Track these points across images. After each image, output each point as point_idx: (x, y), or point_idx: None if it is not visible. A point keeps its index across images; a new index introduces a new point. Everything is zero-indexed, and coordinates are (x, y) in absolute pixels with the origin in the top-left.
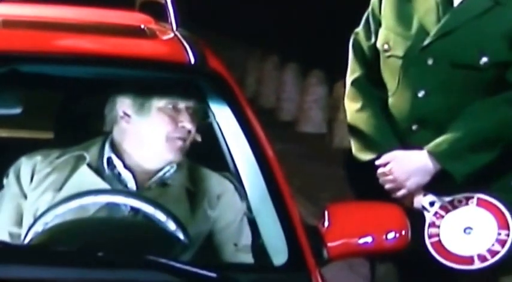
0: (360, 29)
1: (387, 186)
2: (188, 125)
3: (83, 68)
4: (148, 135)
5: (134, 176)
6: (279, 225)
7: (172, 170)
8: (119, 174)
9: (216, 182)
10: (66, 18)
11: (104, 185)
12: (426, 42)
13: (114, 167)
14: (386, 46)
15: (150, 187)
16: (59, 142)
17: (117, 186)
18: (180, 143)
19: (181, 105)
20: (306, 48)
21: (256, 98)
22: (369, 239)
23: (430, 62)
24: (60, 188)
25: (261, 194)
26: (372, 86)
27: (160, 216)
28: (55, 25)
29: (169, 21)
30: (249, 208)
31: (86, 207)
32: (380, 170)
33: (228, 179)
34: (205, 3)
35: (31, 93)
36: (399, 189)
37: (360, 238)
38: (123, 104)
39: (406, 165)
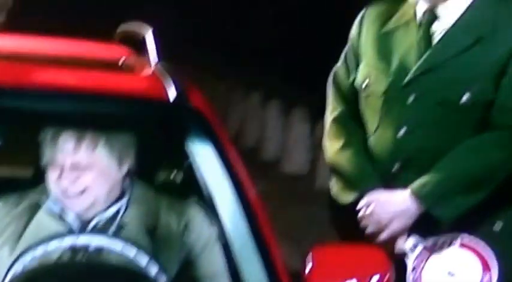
0: (339, 66)
1: (369, 229)
2: (65, 182)
3: (60, 103)
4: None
5: (80, 219)
6: (261, 269)
7: (122, 210)
8: (67, 216)
9: (183, 211)
10: (45, 50)
11: (60, 229)
12: (407, 79)
13: (62, 209)
14: (366, 83)
15: (97, 228)
16: (36, 179)
17: (71, 230)
18: (69, 200)
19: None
20: (289, 85)
21: (239, 136)
22: None
23: (411, 99)
24: (20, 237)
25: (242, 236)
26: (353, 123)
27: (129, 252)
28: (33, 58)
29: (149, 55)
30: (230, 249)
31: (53, 252)
32: (362, 213)
33: (195, 204)
34: (187, 37)
35: (10, 128)
36: (381, 232)
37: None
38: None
39: (389, 207)
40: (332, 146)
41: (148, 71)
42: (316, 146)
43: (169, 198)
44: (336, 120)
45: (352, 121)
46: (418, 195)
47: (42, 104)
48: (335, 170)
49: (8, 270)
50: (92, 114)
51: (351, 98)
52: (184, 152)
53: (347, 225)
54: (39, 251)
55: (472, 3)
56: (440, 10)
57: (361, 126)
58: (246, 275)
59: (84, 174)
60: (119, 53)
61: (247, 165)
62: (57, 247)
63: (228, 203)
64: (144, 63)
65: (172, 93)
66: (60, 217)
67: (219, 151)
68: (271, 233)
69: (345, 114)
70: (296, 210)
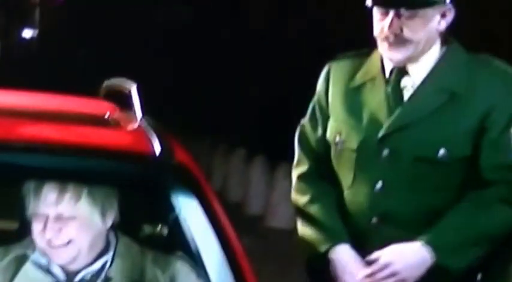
0: (306, 121)
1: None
2: (49, 234)
3: (45, 157)
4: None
5: (66, 272)
6: None
7: (108, 263)
8: (52, 269)
9: (168, 265)
10: (29, 105)
11: (48, 281)
12: (380, 134)
13: (48, 262)
14: (338, 138)
15: None
16: (22, 232)
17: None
18: (53, 250)
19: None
20: (273, 140)
21: (223, 192)
22: None
23: (385, 153)
24: None
25: None
26: (320, 179)
27: None
28: (18, 112)
29: (134, 110)
30: None
31: None
32: (376, 267)
33: (180, 259)
34: (170, 97)
35: None
36: None
37: None
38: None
39: (406, 259)
40: (299, 201)
41: (133, 126)
42: None
43: (154, 252)
44: (302, 177)
45: (318, 177)
46: (432, 246)
47: (26, 158)
48: (303, 224)
49: None
50: (77, 169)
51: (318, 153)
52: (170, 206)
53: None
54: None
55: (441, 58)
56: (410, 67)
57: (330, 182)
58: None
59: (67, 225)
60: (104, 108)
61: (232, 221)
62: None
63: (214, 257)
64: (129, 118)
65: (157, 148)
66: (48, 270)
67: (204, 205)
68: None
69: (312, 170)
70: (281, 266)
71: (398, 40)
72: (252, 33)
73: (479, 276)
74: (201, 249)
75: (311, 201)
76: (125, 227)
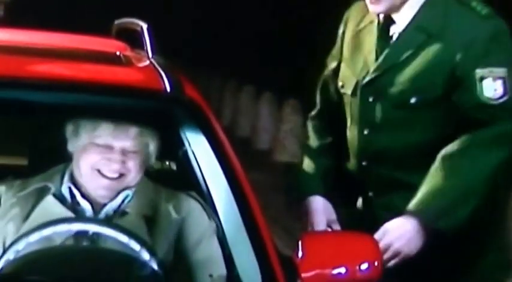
0: (327, 70)
1: (391, 260)
2: (116, 165)
3: (57, 94)
4: (81, 167)
5: (92, 205)
6: (254, 256)
7: (128, 198)
8: (78, 203)
9: (181, 203)
10: (41, 43)
11: (68, 214)
12: (366, 80)
13: (74, 196)
14: (340, 83)
15: (107, 216)
16: (33, 168)
17: (78, 215)
18: (106, 181)
19: (126, 142)
20: (281, 78)
21: (233, 128)
22: (342, 270)
23: (370, 99)
24: (26, 218)
25: (235, 224)
26: (324, 124)
27: (134, 245)
28: (30, 50)
29: (145, 48)
30: (223, 236)
31: (57, 235)
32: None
33: (193, 198)
34: (182, 34)
35: (5, 118)
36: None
37: (333, 269)
38: (70, 131)
39: (403, 234)
40: (304, 142)
41: (144, 64)
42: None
43: (167, 190)
44: (310, 119)
45: (322, 122)
46: (420, 215)
47: (39, 95)
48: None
49: (9, 247)
50: (87, 104)
51: (331, 99)
52: (179, 142)
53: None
54: (46, 232)
55: (424, 3)
56: (394, 15)
57: (334, 127)
58: (238, 262)
59: (129, 159)
60: (116, 46)
61: (241, 155)
62: (65, 231)
63: (222, 191)
64: (140, 57)
65: (167, 84)
66: (71, 204)
67: (213, 140)
68: (264, 220)
69: (320, 113)
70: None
71: None
72: None
73: None
74: (209, 183)
75: (305, 146)
76: None
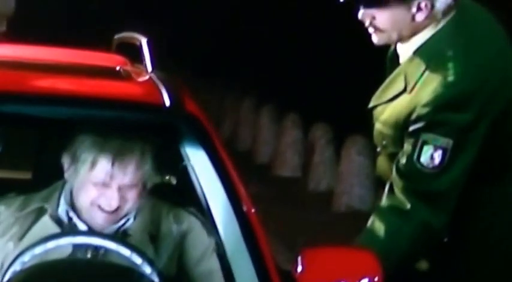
0: None
1: None
2: (114, 202)
3: (57, 108)
4: (80, 200)
5: (90, 229)
6: (254, 271)
7: (130, 220)
8: (75, 225)
9: (181, 220)
10: (43, 58)
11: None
12: (371, 105)
13: (71, 218)
14: None
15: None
16: (36, 182)
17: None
18: (104, 215)
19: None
20: (282, 91)
21: (233, 140)
22: None
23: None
24: (22, 237)
25: (235, 239)
26: None
27: (136, 259)
28: (32, 66)
29: (145, 63)
30: (223, 252)
31: (60, 249)
32: None
33: (193, 215)
34: (183, 45)
35: (9, 133)
36: None
37: None
38: (68, 164)
39: None
40: None
41: (144, 78)
42: (308, 150)
43: (168, 206)
44: None
45: None
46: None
47: (41, 109)
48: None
49: (10, 265)
50: (88, 119)
51: None
52: (179, 156)
53: None
54: (39, 249)
55: (418, 49)
56: (399, 48)
57: None
58: (238, 277)
59: (127, 193)
60: (116, 61)
61: (241, 169)
62: (65, 244)
63: (221, 206)
64: (140, 71)
65: (167, 99)
66: (68, 224)
67: (212, 155)
68: (263, 235)
69: None
70: (288, 213)
71: (372, 26)
72: None
73: None
74: (209, 200)
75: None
76: None
